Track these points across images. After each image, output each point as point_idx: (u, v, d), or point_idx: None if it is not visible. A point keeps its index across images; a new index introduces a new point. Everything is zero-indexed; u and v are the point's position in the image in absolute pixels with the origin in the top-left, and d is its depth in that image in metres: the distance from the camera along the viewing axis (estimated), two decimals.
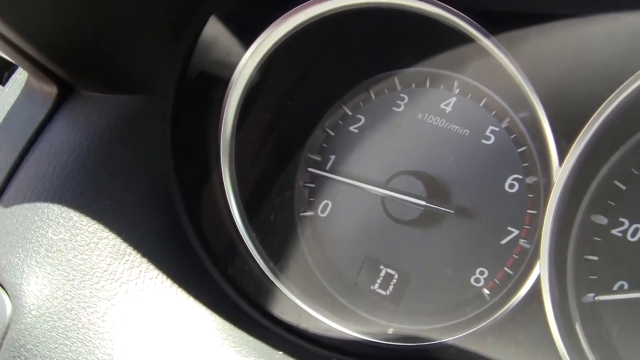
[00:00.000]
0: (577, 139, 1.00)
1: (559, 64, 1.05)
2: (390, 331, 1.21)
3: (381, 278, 1.25)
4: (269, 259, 1.28)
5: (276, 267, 1.28)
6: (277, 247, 1.31)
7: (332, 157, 1.33)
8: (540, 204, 1.15)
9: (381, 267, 1.25)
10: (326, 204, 1.32)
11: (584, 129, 0.99)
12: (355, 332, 1.19)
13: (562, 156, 1.02)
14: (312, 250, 1.32)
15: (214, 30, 1.23)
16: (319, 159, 1.33)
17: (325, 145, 1.34)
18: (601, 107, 0.98)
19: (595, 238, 1.07)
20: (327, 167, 1.32)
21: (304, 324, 1.21)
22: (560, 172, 1.01)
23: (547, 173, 1.07)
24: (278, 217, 1.33)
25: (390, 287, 1.24)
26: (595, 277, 1.07)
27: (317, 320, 1.21)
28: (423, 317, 1.21)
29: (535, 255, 1.08)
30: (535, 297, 1.04)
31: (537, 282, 1.04)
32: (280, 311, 1.23)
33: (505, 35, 1.08)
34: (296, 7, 1.19)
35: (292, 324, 1.22)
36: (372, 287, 1.25)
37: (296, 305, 1.23)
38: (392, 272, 1.24)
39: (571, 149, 1.00)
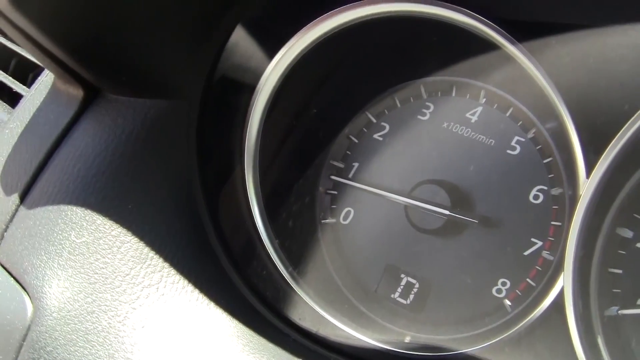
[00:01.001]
0: (605, 152, 0.99)
1: (587, 74, 1.04)
2: (410, 340, 1.20)
3: (402, 287, 1.24)
4: (289, 264, 1.28)
5: (296, 272, 1.27)
6: (298, 252, 1.30)
7: (356, 164, 1.32)
8: (565, 215, 1.14)
9: (402, 275, 1.24)
10: (348, 212, 1.31)
11: (613, 141, 0.98)
12: (375, 341, 1.18)
13: (589, 168, 1.01)
14: (333, 257, 1.31)
15: (241, 37, 1.23)
16: (342, 166, 1.33)
17: (348, 152, 1.33)
18: (631, 119, 0.98)
19: (620, 251, 1.06)
20: (350, 175, 1.32)
21: (323, 331, 1.21)
22: (588, 185, 1.00)
23: (573, 185, 1.06)
24: (300, 223, 1.32)
25: (411, 296, 1.23)
26: (619, 290, 1.05)
27: (336, 328, 1.21)
28: (443, 327, 1.20)
29: (558, 267, 1.08)
30: (557, 309, 1.04)
31: (560, 294, 1.03)
32: (299, 317, 1.23)
33: (532, 45, 1.07)
34: (323, 15, 1.19)
35: (312, 331, 1.21)
36: (392, 296, 1.25)
37: (315, 312, 1.23)
38: (413, 281, 1.23)
39: (599, 162, 0.99)
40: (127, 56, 1.14)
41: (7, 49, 1.50)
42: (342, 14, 1.18)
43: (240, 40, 1.24)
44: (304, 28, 1.21)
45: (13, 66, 1.50)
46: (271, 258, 1.27)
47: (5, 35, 1.48)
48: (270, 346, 1.12)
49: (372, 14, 1.18)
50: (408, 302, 1.23)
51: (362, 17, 1.19)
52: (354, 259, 1.30)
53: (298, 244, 1.31)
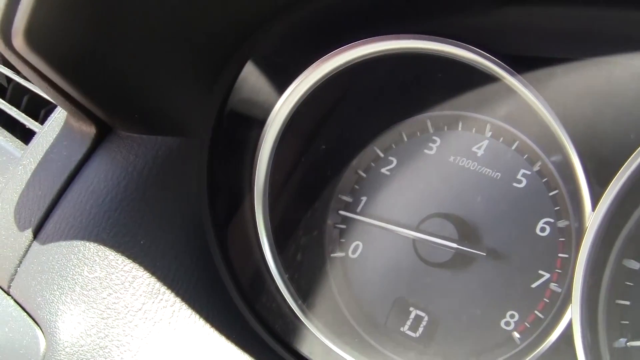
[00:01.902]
0: (610, 184, 1.00)
1: (591, 105, 1.05)
2: None
3: (411, 320, 1.24)
4: (298, 298, 1.28)
5: (305, 306, 1.28)
6: (307, 286, 1.31)
7: (364, 198, 1.33)
8: (572, 248, 1.14)
9: (411, 308, 1.24)
10: (357, 245, 1.32)
11: (618, 173, 0.99)
12: None
13: (595, 200, 1.02)
14: (342, 290, 1.31)
15: (251, 73, 1.25)
16: (350, 200, 1.34)
17: (356, 186, 1.34)
18: (637, 150, 0.99)
19: (628, 283, 1.06)
20: (358, 209, 1.33)
21: None
22: (594, 217, 1.01)
23: (580, 217, 1.06)
24: (308, 257, 1.33)
25: (420, 329, 1.23)
26: (628, 322, 1.05)
27: None
28: None
29: (566, 299, 1.08)
30: (566, 341, 1.04)
31: (569, 326, 1.03)
32: (309, 351, 1.23)
33: (534, 77, 1.09)
34: (331, 52, 1.21)
35: None
36: (401, 329, 1.25)
37: (324, 345, 1.23)
38: (422, 314, 1.24)
39: (605, 194, 1.00)
40: (139, 95, 1.16)
41: (20, 86, 1.51)
42: (349, 51, 1.20)
43: (250, 76, 1.26)
44: (313, 64, 1.23)
45: (25, 102, 1.51)
46: (280, 292, 1.27)
47: (18, 73, 1.50)
48: None
49: (379, 51, 1.20)
50: (417, 335, 1.24)
51: (369, 54, 1.21)
52: (363, 292, 1.30)
53: (307, 278, 1.32)
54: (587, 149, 1.04)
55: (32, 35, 0.97)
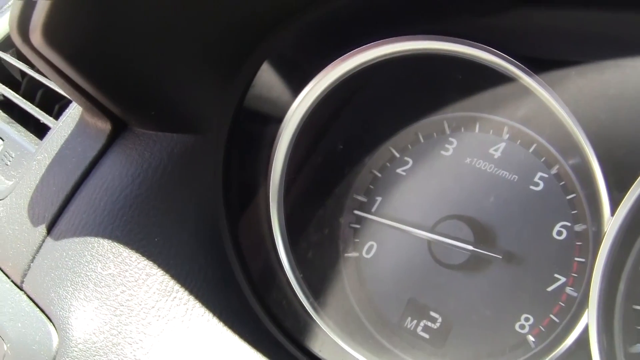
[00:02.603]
0: (630, 190, 0.98)
1: (610, 111, 1.04)
2: None
3: (424, 321, 1.24)
4: (310, 295, 1.28)
5: (317, 303, 1.28)
6: (319, 284, 1.30)
7: (379, 199, 1.33)
8: (589, 252, 1.13)
9: (425, 310, 1.24)
10: (371, 246, 1.31)
11: (639, 179, 0.98)
12: None
13: (614, 205, 1.01)
14: (355, 289, 1.31)
15: (268, 72, 1.25)
16: (365, 200, 1.33)
17: (371, 186, 1.34)
18: None
19: None
20: (373, 209, 1.32)
21: None
22: (612, 222, 1.00)
23: (597, 221, 1.06)
24: (322, 256, 1.32)
25: (433, 331, 1.23)
26: None
27: None
28: None
29: (582, 304, 1.07)
30: (581, 346, 1.03)
31: (585, 331, 1.02)
32: (319, 349, 1.23)
33: (553, 78, 1.08)
34: (349, 52, 1.21)
35: None
36: (414, 330, 1.24)
37: (335, 343, 1.23)
38: (436, 315, 1.23)
39: (624, 199, 0.99)
40: (156, 92, 1.16)
41: (34, 80, 1.51)
42: (368, 51, 1.20)
43: (268, 74, 1.26)
44: (331, 64, 1.22)
45: (39, 97, 1.51)
46: (293, 289, 1.27)
47: (32, 67, 1.50)
48: None
49: (396, 52, 1.20)
50: (430, 336, 1.23)
51: (386, 54, 1.20)
52: (376, 292, 1.30)
53: (320, 276, 1.31)
54: (606, 152, 1.03)
55: (50, 31, 0.97)
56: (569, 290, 1.15)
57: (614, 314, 1.04)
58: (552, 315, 1.15)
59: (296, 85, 1.26)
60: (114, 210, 1.14)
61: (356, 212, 1.33)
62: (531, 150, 1.22)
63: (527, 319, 1.17)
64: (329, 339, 1.24)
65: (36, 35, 0.97)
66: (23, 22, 0.97)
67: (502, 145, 1.25)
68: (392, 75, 1.27)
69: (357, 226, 1.33)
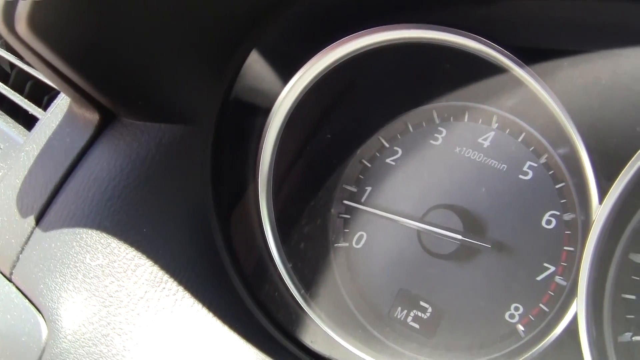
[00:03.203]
0: (618, 178, 0.99)
1: (599, 97, 1.04)
2: None
3: (415, 311, 1.24)
4: (301, 286, 1.28)
5: (308, 295, 1.28)
6: (310, 275, 1.31)
7: (368, 188, 1.33)
8: (577, 241, 1.14)
9: (415, 300, 1.24)
10: (361, 236, 1.31)
11: (626, 167, 0.98)
12: None
13: (602, 193, 1.01)
14: (345, 280, 1.31)
15: (256, 61, 1.25)
16: (354, 190, 1.34)
17: (361, 176, 1.34)
18: None
19: (634, 277, 1.05)
20: (363, 199, 1.33)
21: (335, 355, 1.21)
22: (600, 210, 1.00)
23: (586, 210, 1.06)
24: (312, 246, 1.33)
25: (424, 321, 1.23)
26: (633, 316, 1.05)
27: (348, 352, 1.21)
28: (456, 352, 1.20)
29: (571, 293, 1.08)
30: (571, 335, 1.03)
31: (574, 320, 1.03)
32: (311, 340, 1.23)
33: (542, 68, 1.08)
34: (337, 41, 1.21)
35: (324, 355, 1.21)
36: (405, 320, 1.25)
37: (326, 334, 1.23)
38: (426, 305, 1.23)
39: (612, 188, 0.99)
40: (144, 82, 1.15)
41: (23, 72, 1.51)
42: (356, 40, 1.20)
43: (256, 64, 1.25)
44: (319, 53, 1.22)
45: (28, 89, 1.51)
46: (283, 280, 1.27)
47: (21, 59, 1.50)
48: None
49: (385, 41, 1.20)
50: (421, 326, 1.23)
51: (375, 43, 1.20)
52: (367, 282, 1.30)
53: (310, 267, 1.31)
54: (595, 142, 1.03)
55: (36, 21, 0.96)
56: (558, 279, 1.15)
57: (603, 303, 1.04)
58: (541, 305, 1.16)
59: (284, 75, 1.25)
60: (102, 201, 1.14)
61: (346, 202, 1.33)
62: (520, 139, 1.22)
63: (516, 309, 1.17)
64: (320, 330, 1.24)
65: (22, 26, 0.96)
66: (8, 12, 0.96)
67: (491, 134, 1.25)
68: (381, 64, 1.27)
69: (347, 216, 1.33)
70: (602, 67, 1.05)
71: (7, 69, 1.59)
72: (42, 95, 1.46)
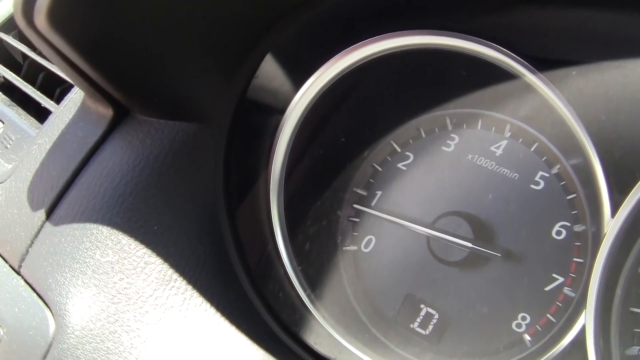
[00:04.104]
0: (632, 192, 0.98)
1: (613, 112, 1.04)
2: None
3: (421, 317, 1.24)
4: (307, 287, 1.28)
5: (314, 295, 1.28)
6: (317, 276, 1.31)
7: (379, 193, 1.33)
8: (587, 253, 1.14)
9: (422, 306, 1.24)
10: (370, 240, 1.31)
11: None
12: None
13: (614, 207, 1.01)
14: (352, 283, 1.31)
15: (271, 64, 1.25)
16: (365, 194, 1.33)
17: (372, 180, 1.34)
18: None
19: None
20: (373, 203, 1.32)
21: (339, 357, 1.21)
22: (613, 223, 1.00)
23: (597, 222, 1.05)
24: (320, 248, 1.33)
25: (430, 327, 1.23)
26: None
27: (352, 354, 1.21)
28: (461, 359, 1.20)
29: (579, 304, 1.08)
30: (578, 347, 1.03)
31: (581, 331, 1.02)
32: (315, 341, 1.23)
33: (559, 80, 1.08)
34: (352, 45, 1.21)
35: (328, 357, 1.21)
36: (411, 326, 1.25)
37: (331, 336, 1.23)
38: (433, 311, 1.23)
39: (625, 201, 0.99)
40: (160, 80, 1.15)
41: (35, 63, 1.50)
42: (371, 45, 1.20)
43: (271, 66, 1.25)
44: (333, 58, 1.22)
45: (41, 80, 1.50)
46: (290, 280, 1.27)
47: (34, 50, 1.49)
48: None
49: (400, 47, 1.19)
50: (427, 332, 1.23)
51: (390, 49, 1.20)
52: (374, 286, 1.30)
53: (318, 269, 1.31)
54: (608, 153, 1.03)
55: (55, 15, 0.96)
56: (566, 290, 1.15)
57: (611, 316, 1.04)
58: (549, 315, 1.16)
59: (299, 78, 1.25)
60: (113, 196, 1.13)
61: (355, 205, 1.33)
62: (533, 149, 1.22)
63: (524, 318, 1.17)
64: (325, 331, 1.24)
65: (41, 19, 0.96)
66: (28, 5, 0.96)
67: (504, 143, 1.24)
68: (395, 69, 1.27)
69: (356, 220, 1.33)
70: (615, 78, 1.04)
71: (20, 59, 1.59)
72: (54, 87, 1.45)
